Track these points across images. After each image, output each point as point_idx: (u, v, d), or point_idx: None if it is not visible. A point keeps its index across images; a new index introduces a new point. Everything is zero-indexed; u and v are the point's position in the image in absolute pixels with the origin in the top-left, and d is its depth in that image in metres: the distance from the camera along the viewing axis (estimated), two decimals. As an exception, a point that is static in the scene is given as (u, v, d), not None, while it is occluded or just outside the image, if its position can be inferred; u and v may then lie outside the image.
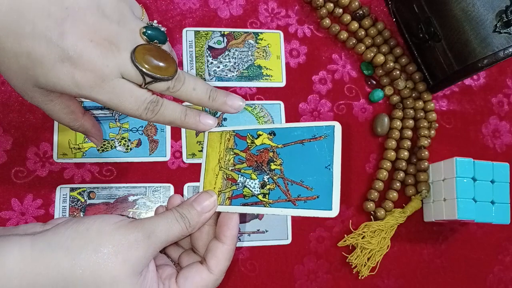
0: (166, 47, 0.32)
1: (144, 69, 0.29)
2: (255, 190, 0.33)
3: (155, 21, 0.32)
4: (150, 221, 0.30)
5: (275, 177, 0.32)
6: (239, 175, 0.34)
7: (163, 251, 0.36)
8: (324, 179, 0.30)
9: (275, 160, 0.33)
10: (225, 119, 0.47)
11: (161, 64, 0.30)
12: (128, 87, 0.30)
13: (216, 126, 0.35)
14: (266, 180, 0.32)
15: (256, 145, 0.34)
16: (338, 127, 0.30)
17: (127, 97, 0.30)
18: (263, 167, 0.33)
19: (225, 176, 0.35)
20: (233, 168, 0.35)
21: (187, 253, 0.35)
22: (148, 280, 0.29)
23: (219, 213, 0.34)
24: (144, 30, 0.30)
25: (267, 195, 0.32)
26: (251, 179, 0.33)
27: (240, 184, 0.34)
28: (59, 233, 0.28)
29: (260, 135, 0.34)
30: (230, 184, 0.34)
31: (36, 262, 0.26)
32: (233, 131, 0.36)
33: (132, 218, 0.31)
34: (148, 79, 0.30)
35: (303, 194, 0.30)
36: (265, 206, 0.32)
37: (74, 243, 0.27)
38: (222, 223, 0.33)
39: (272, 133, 0.33)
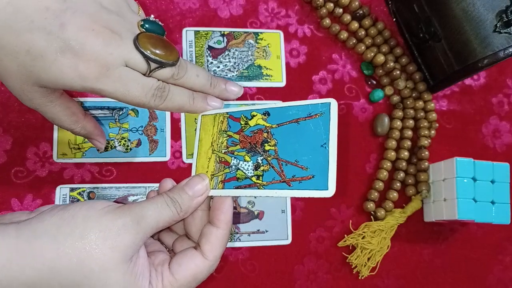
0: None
1: (149, 54, 0.29)
2: (248, 172, 0.32)
3: (152, 16, 0.32)
4: (139, 206, 0.29)
5: (269, 158, 0.31)
6: (232, 158, 0.33)
7: (156, 237, 0.35)
8: (320, 158, 0.28)
9: (269, 140, 0.31)
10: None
11: (164, 50, 0.30)
12: (133, 74, 0.29)
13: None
14: (260, 162, 0.31)
15: (250, 126, 0.33)
16: (334, 104, 0.29)
17: (134, 85, 0.29)
18: (257, 148, 0.32)
19: (218, 159, 0.34)
20: (226, 150, 0.34)
21: (181, 239, 0.34)
22: (139, 266, 0.28)
23: (212, 197, 0.33)
24: (142, 23, 0.31)
25: (261, 177, 0.31)
26: (245, 161, 0.32)
27: (233, 166, 0.33)
28: (44, 220, 0.27)
29: (254, 115, 0.33)
30: (223, 167, 0.33)
31: (22, 252, 0.25)
32: (227, 113, 0.35)
33: (121, 203, 0.30)
34: (153, 66, 0.30)
35: (298, 174, 0.29)
36: (258, 188, 0.31)
37: (59, 231, 0.26)
38: (216, 207, 0.32)
39: (266, 113, 0.32)
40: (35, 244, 0.26)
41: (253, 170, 0.32)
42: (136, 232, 0.28)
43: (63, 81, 0.28)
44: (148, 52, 0.29)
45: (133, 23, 0.30)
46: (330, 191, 0.27)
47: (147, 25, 0.31)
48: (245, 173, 0.32)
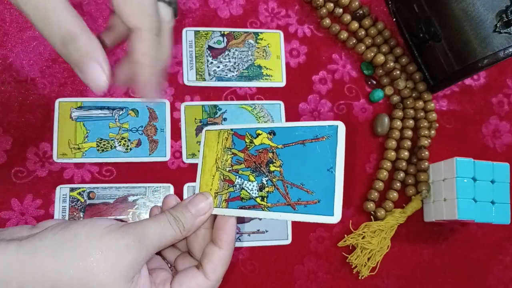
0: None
1: None
2: (253, 193, 0.31)
3: None
4: (141, 225, 0.29)
5: (274, 179, 0.31)
6: (237, 177, 0.33)
7: (158, 253, 0.35)
8: (326, 183, 0.28)
9: (274, 161, 0.31)
10: (225, 119, 0.47)
11: None
12: None
13: (213, 125, 0.34)
14: (265, 182, 0.31)
15: (255, 145, 0.33)
16: (341, 127, 0.29)
17: None
18: (261, 168, 0.32)
19: (222, 177, 0.33)
20: (230, 169, 0.33)
21: (184, 256, 0.34)
22: (140, 286, 0.28)
23: (215, 216, 0.33)
24: None
25: (265, 198, 0.30)
26: (249, 180, 0.32)
27: (238, 186, 0.32)
28: (46, 238, 0.27)
29: (259, 134, 0.33)
30: (227, 186, 0.33)
31: (23, 269, 0.25)
32: (231, 129, 0.34)
33: (124, 222, 0.30)
34: None
35: (303, 198, 0.29)
36: (263, 210, 0.30)
37: (61, 249, 0.26)
38: (219, 227, 0.31)
39: (272, 132, 0.32)
40: (36, 261, 0.26)
41: (257, 191, 0.31)
42: (139, 252, 0.28)
43: None
44: None
45: None
46: (336, 217, 0.27)
47: None
48: (249, 193, 0.31)
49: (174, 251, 0.35)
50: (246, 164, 0.33)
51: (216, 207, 0.32)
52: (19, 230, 0.29)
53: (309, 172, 0.29)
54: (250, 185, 0.32)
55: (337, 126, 0.29)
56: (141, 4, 0.27)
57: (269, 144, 0.32)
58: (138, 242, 0.28)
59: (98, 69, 0.26)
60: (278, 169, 0.31)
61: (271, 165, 0.31)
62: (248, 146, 0.33)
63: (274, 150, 0.31)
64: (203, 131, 0.36)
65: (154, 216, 0.30)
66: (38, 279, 0.26)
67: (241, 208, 0.31)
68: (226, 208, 0.32)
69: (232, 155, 0.34)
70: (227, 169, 0.33)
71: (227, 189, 0.33)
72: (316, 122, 0.30)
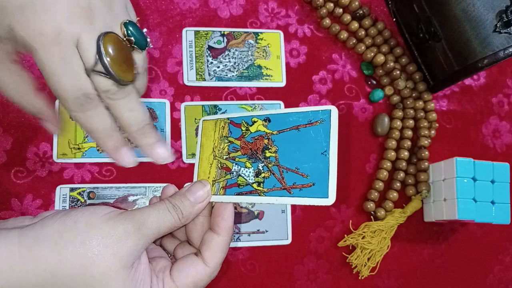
0: (141, 58, 0.29)
1: (103, 54, 0.26)
2: (249, 179, 0.32)
3: (145, 29, 0.29)
4: (140, 212, 0.29)
5: (270, 165, 0.31)
6: (234, 164, 0.33)
7: (158, 243, 0.36)
8: (320, 166, 0.29)
9: (270, 147, 0.32)
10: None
11: (120, 63, 0.27)
12: (76, 62, 0.26)
13: (210, 115, 0.35)
14: (261, 168, 0.32)
15: (251, 132, 0.33)
16: (334, 111, 0.29)
17: (68, 72, 0.26)
18: (258, 154, 0.32)
19: (219, 165, 0.34)
20: (227, 156, 0.34)
21: (183, 245, 0.34)
22: (140, 273, 0.28)
23: (214, 204, 0.33)
24: (127, 22, 0.27)
25: (261, 184, 0.31)
26: (246, 167, 0.32)
27: (235, 173, 0.33)
28: (47, 226, 0.27)
29: (255, 122, 0.33)
30: (225, 173, 0.33)
31: (24, 259, 0.26)
32: (228, 118, 0.35)
33: (122, 209, 0.30)
34: (99, 68, 0.26)
35: (298, 181, 0.29)
36: (259, 195, 0.31)
37: (61, 237, 0.26)
38: (217, 214, 0.32)
39: (267, 119, 0.33)
40: (37, 250, 0.26)
41: (254, 177, 0.32)
42: (138, 239, 0.28)
43: (8, 24, 0.25)
44: (104, 52, 0.26)
45: (116, 18, 0.27)
46: (330, 200, 0.28)
47: (131, 27, 0.27)
48: (246, 180, 0.32)
49: (173, 241, 0.35)
50: (242, 152, 0.33)
51: (214, 194, 0.33)
52: (21, 220, 0.29)
53: (304, 157, 0.30)
54: (246, 171, 0.32)
55: (330, 110, 0.30)
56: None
57: (264, 131, 0.33)
58: (137, 228, 0.28)
59: (49, 125, 0.33)
60: (274, 154, 0.31)
61: (266, 151, 0.32)
62: (244, 134, 0.34)
63: (270, 137, 0.32)
64: (200, 121, 0.36)
65: (153, 204, 0.30)
66: (40, 266, 0.26)
67: (238, 194, 0.32)
68: (223, 195, 0.33)
69: (229, 143, 0.34)
70: (224, 157, 0.34)
71: (224, 177, 0.33)
72: (309, 108, 0.31)
